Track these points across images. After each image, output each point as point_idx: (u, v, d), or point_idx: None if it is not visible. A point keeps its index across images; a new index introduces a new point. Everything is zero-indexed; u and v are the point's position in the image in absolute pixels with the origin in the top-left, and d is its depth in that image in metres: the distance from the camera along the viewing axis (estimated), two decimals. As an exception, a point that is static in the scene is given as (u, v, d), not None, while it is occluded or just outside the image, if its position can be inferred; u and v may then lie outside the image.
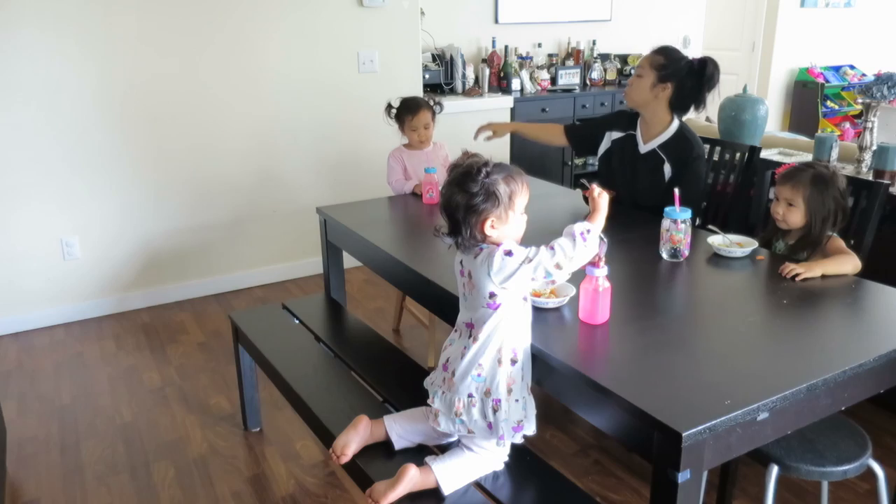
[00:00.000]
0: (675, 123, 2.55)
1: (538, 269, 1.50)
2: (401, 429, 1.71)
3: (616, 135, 2.70)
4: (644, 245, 2.21)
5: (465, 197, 1.50)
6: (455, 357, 1.59)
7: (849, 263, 1.97)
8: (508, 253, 1.50)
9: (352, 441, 1.68)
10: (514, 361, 1.55)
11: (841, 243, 2.05)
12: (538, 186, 2.97)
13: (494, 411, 1.54)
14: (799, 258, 2.07)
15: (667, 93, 2.48)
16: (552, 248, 1.51)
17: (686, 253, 2.07)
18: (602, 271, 1.64)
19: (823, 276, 1.93)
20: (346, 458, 1.68)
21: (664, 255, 2.08)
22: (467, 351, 1.56)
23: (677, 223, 2.02)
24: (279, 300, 2.91)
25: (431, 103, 3.09)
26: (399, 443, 1.70)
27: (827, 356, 1.54)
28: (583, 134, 2.85)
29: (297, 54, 3.75)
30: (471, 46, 4.90)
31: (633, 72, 2.59)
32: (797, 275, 1.91)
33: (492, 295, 1.51)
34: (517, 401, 1.56)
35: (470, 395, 1.55)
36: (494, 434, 1.55)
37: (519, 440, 1.60)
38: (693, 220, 2.15)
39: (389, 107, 3.08)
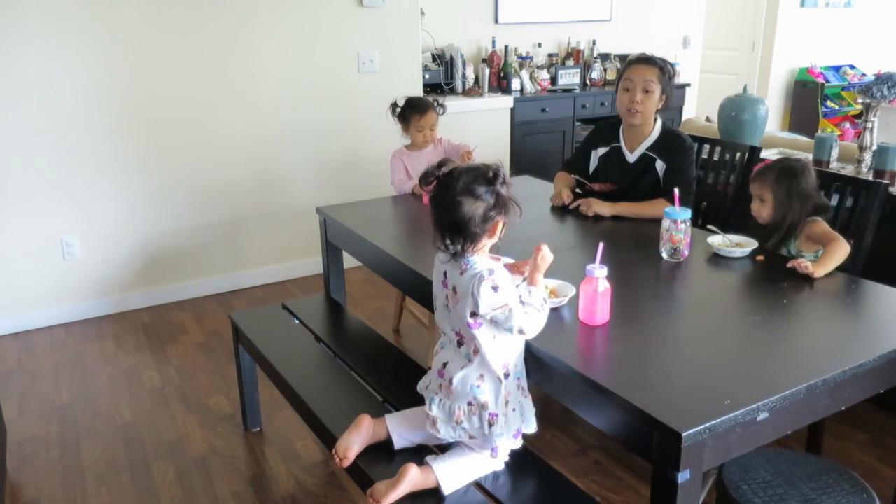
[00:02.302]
0: (659, 123, 2.58)
1: (509, 321, 1.47)
2: (402, 429, 1.70)
3: (601, 150, 2.70)
4: (644, 245, 2.21)
5: (482, 206, 1.47)
6: (451, 367, 1.58)
7: (840, 250, 1.98)
8: (495, 289, 1.46)
9: (354, 443, 1.67)
10: (506, 375, 1.55)
11: (824, 226, 2.08)
12: (539, 186, 2.98)
13: (490, 425, 1.54)
14: (785, 251, 2.11)
15: (662, 100, 2.51)
16: (525, 312, 1.48)
17: (686, 253, 2.06)
18: (602, 272, 1.63)
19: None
20: (348, 462, 1.66)
21: (664, 255, 2.08)
22: (460, 367, 1.55)
23: (677, 223, 2.02)
24: (279, 300, 2.92)
25: (436, 104, 3.09)
26: (399, 442, 1.70)
27: (827, 356, 1.53)
28: (579, 165, 2.78)
29: (297, 54, 3.75)
30: (471, 46, 4.90)
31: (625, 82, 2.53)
32: (810, 273, 1.91)
33: (473, 314, 1.50)
34: (514, 410, 1.57)
35: (470, 403, 1.55)
36: (489, 445, 1.56)
37: (518, 445, 1.60)
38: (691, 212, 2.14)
39: (395, 106, 3.07)
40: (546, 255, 1.56)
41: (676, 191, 2.15)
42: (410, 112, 3.03)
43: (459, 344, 1.57)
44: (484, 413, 1.54)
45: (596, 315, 1.66)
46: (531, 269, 1.56)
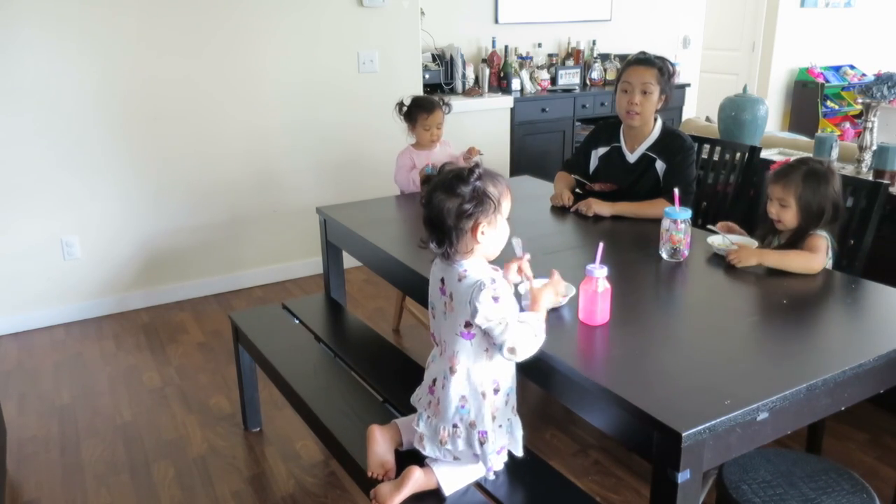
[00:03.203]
0: (659, 123, 2.58)
1: (503, 335, 1.42)
2: (408, 430, 1.69)
3: (601, 150, 2.70)
4: (644, 245, 2.21)
5: (456, 201, 1.43)
6: (440, 383, 1.54)
7: (798, 259, 1.94)
8: (496, 299, 1.41)
9: (381, 454, 1.61)
10: (496, 391, 1.51)
11: (815, 242, 1.97)
12: (539, 186, 2.98)
13: (481, 444, 1.50)
14: None
15: (662, 100, 2.50)
16: (523, 330, 1.44)
17: (686, 253, 2.06)
18: (602, 272, 1.63)
19: (760, 264, 1.97)
20: (393, 471, 1.61)
21: (664, 255, 2.08)
22: (448, 383, 1.51)
23: (677, 223, 2.02)
24: (279, 300, 2.92)
25: (442, 103, 3.09)
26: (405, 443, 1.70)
27: (827, 356, 1.54)
28: (579, 165, 2.78)
29: (297, 54, 3.75)
30: (471, 46, 4.90)
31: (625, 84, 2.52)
32: (734, 260, 1.96)
33: (467, 324, 1.46)
34: (500, 426, 1.53)
35: (455, 426, 1.52)
36: (483, 463, 1.54)
37: (503, 461, 1.57)
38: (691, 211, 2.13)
39: (401, 105, 3.06)
40: (543, 290, 1.56)
41: (676, 191, 2.15)
42: (417, 111, 3.03)
43: (447, 360, 1.52)
44: (473, 432, 1.50)
45: (596, 315, 1.66)
46: (538, 292, 1.54)
